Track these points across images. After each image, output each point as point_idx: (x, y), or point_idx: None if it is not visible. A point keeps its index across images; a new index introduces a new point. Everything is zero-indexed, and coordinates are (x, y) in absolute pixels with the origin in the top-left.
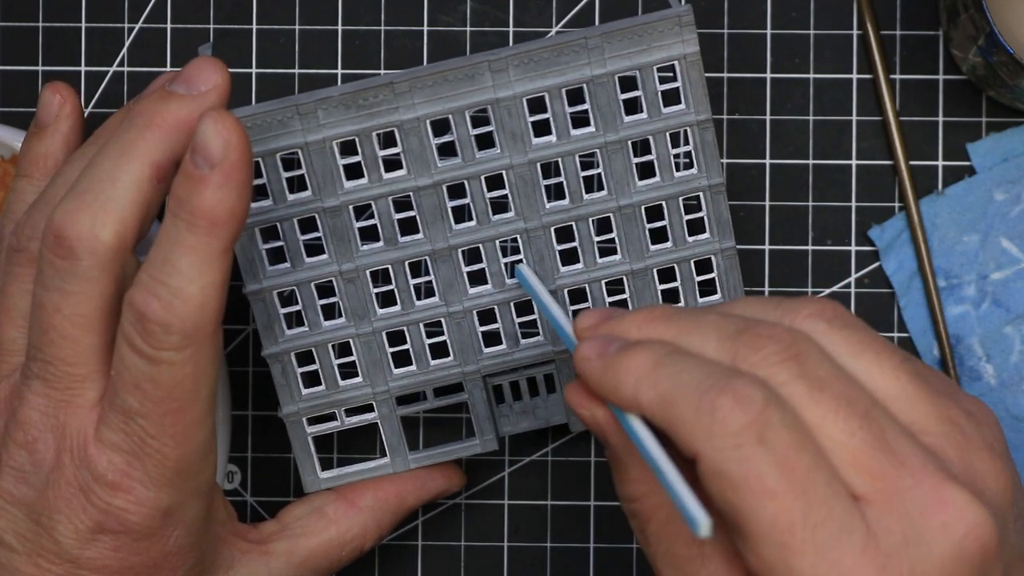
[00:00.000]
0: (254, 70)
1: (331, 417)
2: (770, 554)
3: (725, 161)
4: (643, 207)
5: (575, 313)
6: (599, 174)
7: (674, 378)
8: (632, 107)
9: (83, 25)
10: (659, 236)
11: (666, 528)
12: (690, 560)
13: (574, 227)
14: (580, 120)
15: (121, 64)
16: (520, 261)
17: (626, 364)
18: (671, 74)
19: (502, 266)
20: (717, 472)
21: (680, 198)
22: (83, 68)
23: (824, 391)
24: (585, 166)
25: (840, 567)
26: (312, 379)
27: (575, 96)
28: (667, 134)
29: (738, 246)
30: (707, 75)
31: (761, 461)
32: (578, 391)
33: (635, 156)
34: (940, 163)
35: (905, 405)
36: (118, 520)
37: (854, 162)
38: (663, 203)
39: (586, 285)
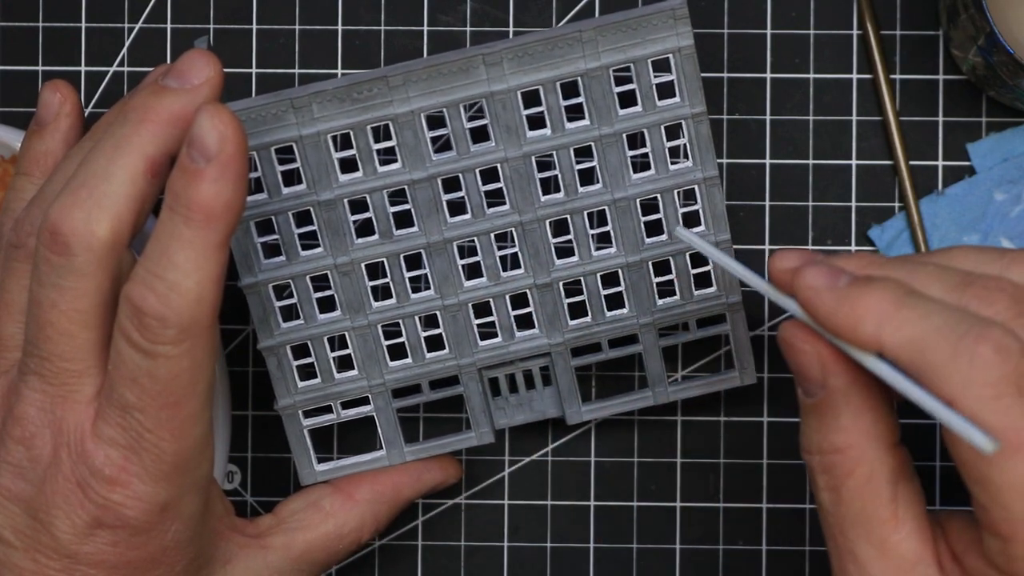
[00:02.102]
0: (254, 70)
1: (327, 410)
2: (1021, 508)
3: (725, 161)
4: (638, 200)
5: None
6: (594, 167)
7: (923, 320)
8: (627, 100)
9: (83, 25)
10: (654, 229)
11: (865, 486)
12: (883, 523)
13: (569, 220)
14: (575, 113)
15: (121, 64)
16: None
17: (865, 301)
18: (667, 71)
19: (497, 259)
20: (972, 420)
21: (675, 191)
22: (83, 68)
23: None
24: (580, 159)
25: None
26: (308, 372)
27: (570, 89)
28: (662, 127)
29: (738, 246)
30: (707, 75)
31: (1020, 412)
32: (798, 326)
33: (630, 149)
34: (940, 163)
35: None
36: (116, 515)
37: (854, 162)
38: (658, 196)
39: (581, 278)
